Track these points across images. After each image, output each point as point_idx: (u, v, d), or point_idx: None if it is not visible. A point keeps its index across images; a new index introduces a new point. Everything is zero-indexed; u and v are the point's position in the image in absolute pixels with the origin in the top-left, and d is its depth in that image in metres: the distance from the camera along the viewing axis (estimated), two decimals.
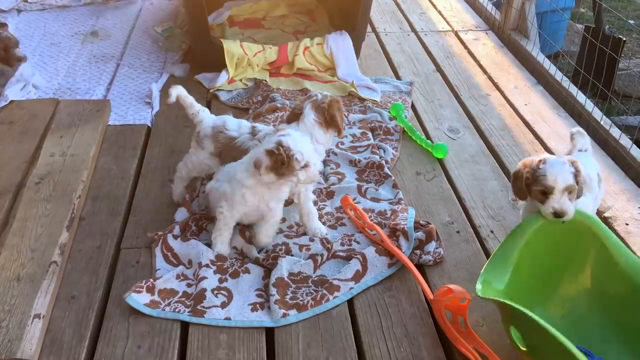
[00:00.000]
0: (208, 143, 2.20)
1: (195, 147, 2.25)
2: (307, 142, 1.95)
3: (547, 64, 3.39)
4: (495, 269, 1.76)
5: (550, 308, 1.83)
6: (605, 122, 2.85)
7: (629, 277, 1.77)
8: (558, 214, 1.79)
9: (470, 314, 1.82)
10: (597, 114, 2.92)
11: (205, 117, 2.24)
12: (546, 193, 1.80)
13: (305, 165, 1.90)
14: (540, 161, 1.82)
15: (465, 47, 3.72)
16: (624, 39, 3.99)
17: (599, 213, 2.33)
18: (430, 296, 1.88)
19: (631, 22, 5.47)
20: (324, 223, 2.24)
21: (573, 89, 3.13)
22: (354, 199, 2.34)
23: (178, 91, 2.21)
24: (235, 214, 2.03)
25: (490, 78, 3.37)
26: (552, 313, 1.82)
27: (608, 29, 4.34)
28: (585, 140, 2.17)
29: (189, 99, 2.24)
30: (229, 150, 2.17)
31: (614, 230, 2.28)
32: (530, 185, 1.83)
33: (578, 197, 1.83)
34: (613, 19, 4.84)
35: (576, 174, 1.79)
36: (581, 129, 2.22)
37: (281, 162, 1.87)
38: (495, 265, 1.77)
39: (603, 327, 1.80)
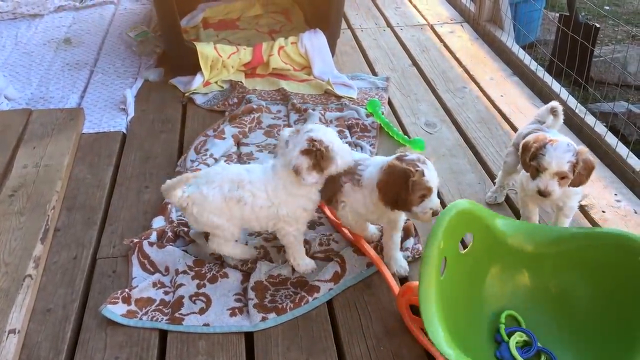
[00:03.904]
0: None
1: None
2: (332, 132, 1.89)
3: (522, 54, 3.40)
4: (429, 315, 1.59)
5: (490, 305, 1.85)
6: (580, 110, 2.87)
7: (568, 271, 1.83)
8: (541, 193, 1.86)
9: None
10: (572, 102, 2.93)
11: None
12: (539, 171, 1.85)
13: (338, 154, 1.85)
14: (550, 141, 1.85)
15: (441, 40, 3.73)
16: (598, 26, 4.00)
17: None
18: (396, 293, 1.87)
19: (606, 7, 5.51)
20: None
21: (548, 78, 3.14)
22: None
23: None
24: (302, 228, 1.96)
25: (466, 70, 3.37)
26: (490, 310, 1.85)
27: (583, 17, 4.36)
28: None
29: None
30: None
31: (591, 219, 2.29)
32: (531, 160, 1.88)
33: (574, 185, 1.88)
34: (589, 6, 4.86)
35: (574, 164, 1.82)
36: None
37: (321, 157, 1.80)
38: (426, 310, 1.60)
39: (544, 321, 1.83)
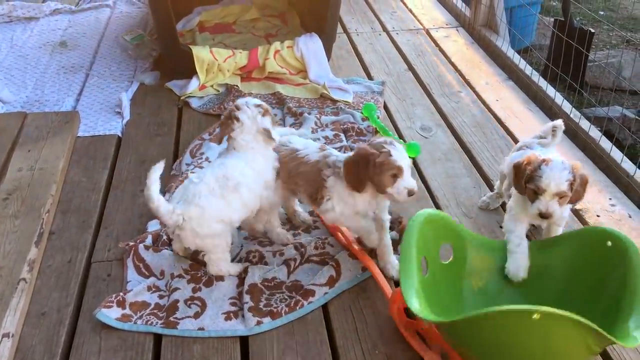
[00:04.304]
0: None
1: None
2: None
3: (517, 59, 3.42)
4: (408, 279, 1.69)
5: (471, 282, 1.94)
6: (574, 114, 2.88)
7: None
8: (543, 216, 1.84)
9: None
10: (567, 106, 2.94)
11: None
12: (537, 193, 1.82)
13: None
14: (543, 161, 1.82)
15: (437, 44, 3.74)
16: (593, 30, 4.03)
17: None
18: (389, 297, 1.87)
19: (601, 12, 5.54)
20: (297, 227, 2.24)
21: (543, 83, 3.16)
22: None
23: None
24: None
25: (461, 75, 3.39)
26: (473, 285, 1.93)
27: (577, 22, 4.38)
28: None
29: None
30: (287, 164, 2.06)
31: (586, 223, 2.30)
32: (527, 182, 1.85)
33: (573, 202, 1.87)
34: (584, 11, 4.89)
35: (572, 182, 1.80)
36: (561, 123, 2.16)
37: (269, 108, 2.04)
38: (406, 274, 1.70)
39: (514, 301, 1.89)
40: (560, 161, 1.82)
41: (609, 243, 1.78)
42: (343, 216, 1.98)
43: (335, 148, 2.65)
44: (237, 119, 1.97)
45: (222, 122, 2.03)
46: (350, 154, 1.92)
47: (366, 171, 1.82)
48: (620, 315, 1.61)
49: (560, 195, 1.81)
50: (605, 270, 1.78)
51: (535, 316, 1.40)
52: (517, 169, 1.88)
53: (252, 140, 1.98)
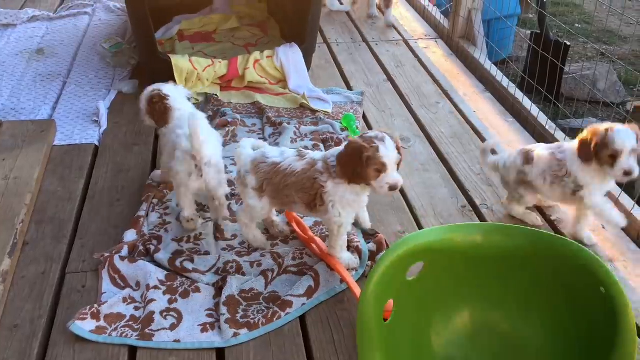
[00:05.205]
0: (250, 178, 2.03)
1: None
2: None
3: (495, 71, 3.46)
4: None
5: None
6: (550, 126, 2.92)
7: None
8: (628, 173, 1.99)
9: None
10: (543, 118, 2.98)
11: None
12: (614, 156, 1.98)
13: None
14: (607, 129, 2.00)
15: (416, 55, 3.77)
16: (568, 43, 4.10)
17: (546, 216, 2.40)
18: None
19: (577, 25, 5.64)
20: (275, 237, 2.23)
21: (519, 95, 3.20)
22: None
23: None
24: None
25: (440, 86, 3.42)
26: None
27: (553, 34, 4.46)
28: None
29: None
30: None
31: (561, 233, 2.33)
32: (599, 152, 2.00)
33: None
34: (560, 24, 4.97)
35: (637, 138, 1.98)
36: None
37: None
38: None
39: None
40: (619, 126, 2.00)
41: (602, 290, 1.60)
42: (349, 221, 1.99)
43: None
44: (166, 96, 2.28)
45: (155, 109, 2.28)
46: (341, 148, 1.90)
47: (359, 163, 1.82)
48: None
49: (637, 152, 1.98)
50: (590, 312, 1.67)
51: None
52: (584, 140, 2.05)
53: (185, 104, 2.31)
